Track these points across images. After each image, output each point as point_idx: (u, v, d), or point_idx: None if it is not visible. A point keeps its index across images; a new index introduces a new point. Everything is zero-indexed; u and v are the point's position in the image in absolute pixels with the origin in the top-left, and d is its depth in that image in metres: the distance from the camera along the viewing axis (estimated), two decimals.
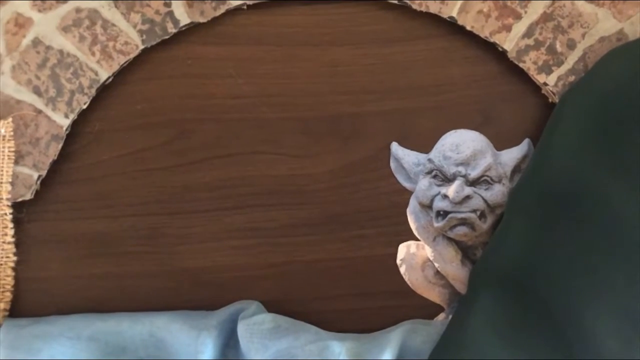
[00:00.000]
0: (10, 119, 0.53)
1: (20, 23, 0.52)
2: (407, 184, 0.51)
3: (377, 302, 0.55)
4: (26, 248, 0.54)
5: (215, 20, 0.53)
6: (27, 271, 0.54)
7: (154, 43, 0.53)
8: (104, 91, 0.54)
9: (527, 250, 0.46)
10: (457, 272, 0.50)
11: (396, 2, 0.53)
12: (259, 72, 0.54)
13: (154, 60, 0.54)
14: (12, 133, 0.53)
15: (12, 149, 0.53)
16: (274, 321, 0.51)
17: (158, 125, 0.54)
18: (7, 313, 0.53)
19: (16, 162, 0.53)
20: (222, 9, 0.53)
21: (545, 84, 0.54)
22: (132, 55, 0.53)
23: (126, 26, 0.53)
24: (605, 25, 0.53)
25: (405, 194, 0.50)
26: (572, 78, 0.54)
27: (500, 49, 0.54)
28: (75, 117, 0.53)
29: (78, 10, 0.53)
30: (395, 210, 0.53)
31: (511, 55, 0.54)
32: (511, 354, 0.44)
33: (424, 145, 0.50)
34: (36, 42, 0.53)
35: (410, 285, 0.52)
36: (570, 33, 0.53)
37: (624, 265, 0.44)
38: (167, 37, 0.53)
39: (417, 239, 0.51)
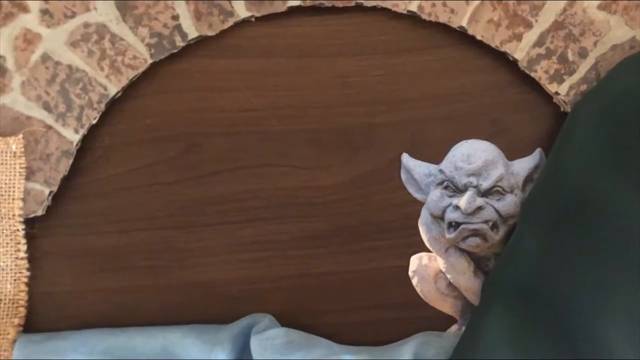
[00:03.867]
0: (20, 135, 0.53)
1: (29, 39, 0.52)
2: (418, 195, 0.50)
3: (390, 314, 0.55)
4: (39, 263, 0.54)
5: (223, 33, 0.53)
6: (40, 286, 0.54)
7: (162, 57, 0.53)
8: (114, 106, 0.54)
9: (540, 261, 0.46)
10: (469, 283, 0.50)
11: (405, 12, 0.53)
12: (268, 85, 0.54)
13: (162, 74, 0.54)
14: (22, 149, 0.53)
15: (23, 165, 0.53)
16: (287, 336, 0.51)
17: (168, 139, 0.54)
18: (21, 328, 0.53)
19: (27, 178, 0.53)
20: (230, 22, 0.53)
21: (557, 93, 0.54)
22: (140, 70, 0.53)
23: (134, 40, 0.53)
24: (617, 33, 0.53)
25: (416, 205, 0.50)
26: (584, 87, 0.53)
27: (511, 58, 0.53)
28: (85, 132, 0.53)
29: (86, 25, 0.53)
30: (406, 221, 0.53)
31: (522, 64, 0.53)
32: None
33: (435, 155, 0.50)
34: (45, 57, 0.53)
35: (422, 297, 0.52)
36: (582, 41, 0.53)
37: (638, 274, 0.43)
38: (175, 50, 0.53)
39: (429, 251, 0.51)
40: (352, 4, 0.53)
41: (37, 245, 0.54)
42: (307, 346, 0.51)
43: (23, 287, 0.54)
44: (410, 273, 0.52)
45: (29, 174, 0.53)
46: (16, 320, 0.53)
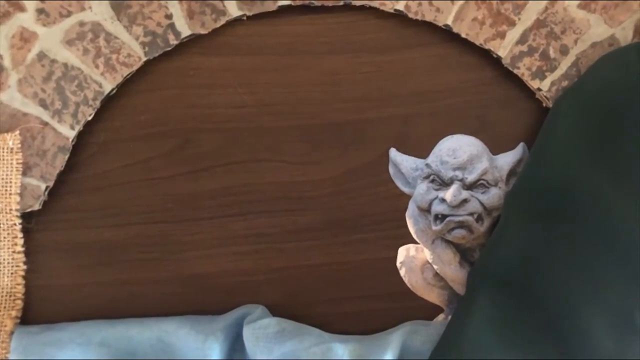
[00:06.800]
0: (17, 132, 0.54)
1: (26, 37, 0.53)
2: (405, 189, 0.52)
3: (378, 304, 0.56)
4: (36, 257, 0.55)
5: (215, 32, 0.54)
6: (37, 279, 0.55)
7: (156, 55, 0.54)
8: (109, 103, 0.55)
9: (524, 251, 0.47)
10: (455, 273, 0.52)
11: (392, 11, 0.54)
12: (260, 82, 0.55)
13: (156, 71, 0.55)
14: (19, 145, 0.54)
15: (20, 161, 0.54)
16: (278, 325, 0.52)
17: (162, 135, 0.55)
18: (18, 320, 0.54)
19: (24, 174, 0.54)
20: (222, 21, 0.54)
21: (539, 89, 0.55)
22: (135, 67, 0.54)
23: (129, 39, 0.54)
24: (597, 31, 0.54)
25: (404, 199, 0.51)
26: (565, 83, 0.54)
27: (495, 56, 0.55)
28: (81, 129, 0.54)
29: (81, 24, 0.53)
30: (395, 214, 0.54)
31: (505, 61, 0.54)
32: (509, 353, 0.45)
33: (422, 150, 0.51)
34: (41, 55, 0.53)
35: (410, 287, 0.53)
36: (563, 39, 0.54)
37: (618, 264, 0.45)
38: (169, 48, 0.54)
39: (416, 242, 0.52)
40: (341, 3, 0.54)
41: (34, 239, 0.55)
42: (298, 335, 0.52)
43: (20, 280, 0.54)
44: (398, 264, 0.54)
45: (26, 170, 0.54)
46: (13, 313, 0.54)
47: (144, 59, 0.54)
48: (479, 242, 0.51)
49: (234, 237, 0.56)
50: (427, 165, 0.50)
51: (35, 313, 0.55)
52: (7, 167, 0.54)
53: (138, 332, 0.53)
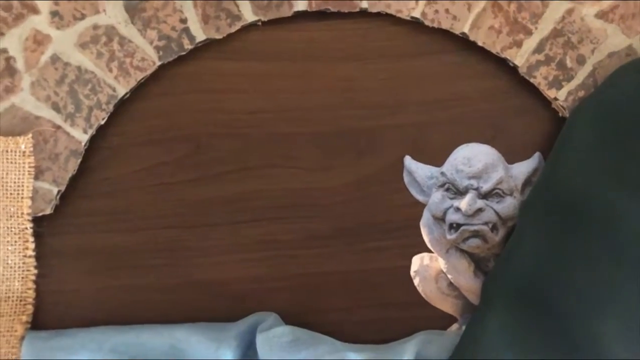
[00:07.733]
0: (29, 135, 0.53)
1: (39, 40, 0.53)
2: (420, 197, 0.51)
3: (392, 313, 0.56)
4: (47, 261, 0.55)
5: (230, 37, 0.54)
6: (48, 284, 0.55)
7: (170, 59, 0.54)
8: (122, 107, 0.54)
9: (538, 261, 0.47)
10: (470, 283, 0.51)
11: (409, 18, 0.54)
12: (274, 88, 0.55)
13: (170, 76, 0.55)
14: (31, 149, 0.53)
15: (32, 165, 0.53)
16: (292, 334, 0.52)
17: (175, 140, 0.55)
18: (29, 325, 0.54)
19: (36, 178, 0.54)
20: (237, 26, 0.54)
21: (555, 98, 0.55)
22: (149, 72, 0.54)
23: (143, 43, 0.54)
24: (614, 40, 0.54)
25: (418, 207, 0.51)
26: (582, 93, 0.54)
27: (511, 65, 0.54)
28: (94, 133, 0.54)
29: (95, 27, 0.53)
30: (408, 222, 0.54)
31: (522, 70, 0.54)
32: None
33: (437, 158, 0.51)
34: (54, 58, 0.53)
35: (424, 296, 0.53)
36: (580, 48, 0.54)
37: (633, 275, 0.44)
38: (183, 53, 0.54)
39: (430, 251, 0.52)
40: (357, 9, 0.54)
41: (45, 243, 0.55)
42: (313, 344, 0.52)
43: (31, 285, 0.54)
44: (412, 273, 0.53)
45: (38, 173, 0.54)
46: (24, 318, 0.54)
47: (158, 63, 0.54)
48: (493, 252, 0.51)
49: (246, 244, 0.56)
50: (442, 173, 0.49)
51: (45, 318, 0.55)
52: (19, 171, 0.53)
53: (149, 339, 0.52)
